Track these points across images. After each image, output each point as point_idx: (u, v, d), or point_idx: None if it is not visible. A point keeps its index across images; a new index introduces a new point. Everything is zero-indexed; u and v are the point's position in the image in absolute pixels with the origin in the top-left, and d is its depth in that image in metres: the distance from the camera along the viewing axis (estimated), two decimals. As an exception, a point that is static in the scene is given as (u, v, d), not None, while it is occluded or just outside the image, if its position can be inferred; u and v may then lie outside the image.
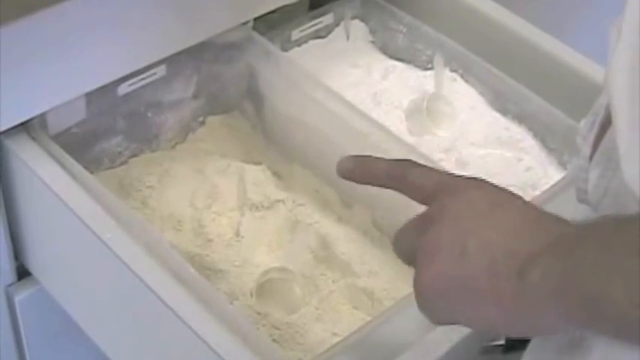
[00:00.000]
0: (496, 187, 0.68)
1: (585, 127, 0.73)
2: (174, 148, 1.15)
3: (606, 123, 0.70)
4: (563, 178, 1.01)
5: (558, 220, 0.63)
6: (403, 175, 0.72)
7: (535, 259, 0.59)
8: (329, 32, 1.25)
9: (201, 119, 1.17)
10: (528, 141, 1.13)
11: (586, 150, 0.72)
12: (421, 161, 0.99)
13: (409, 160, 0.73)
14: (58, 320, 1.10)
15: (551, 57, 1.14)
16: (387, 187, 0.73)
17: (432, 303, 0.66)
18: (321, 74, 1.15)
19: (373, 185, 0.74)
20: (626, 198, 0.64)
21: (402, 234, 0.70)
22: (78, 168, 0.96)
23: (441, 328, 0.76)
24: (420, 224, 0.68)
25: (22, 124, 0.98)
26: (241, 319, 0.86)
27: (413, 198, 0.71)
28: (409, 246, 0.68)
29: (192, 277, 0.88)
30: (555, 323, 0.60)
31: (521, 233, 0.62)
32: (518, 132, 1.14)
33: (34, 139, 0.99)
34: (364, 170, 0.75)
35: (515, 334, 0.65)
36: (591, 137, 0.71)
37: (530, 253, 0.60)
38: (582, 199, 0.72)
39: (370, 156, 0.75)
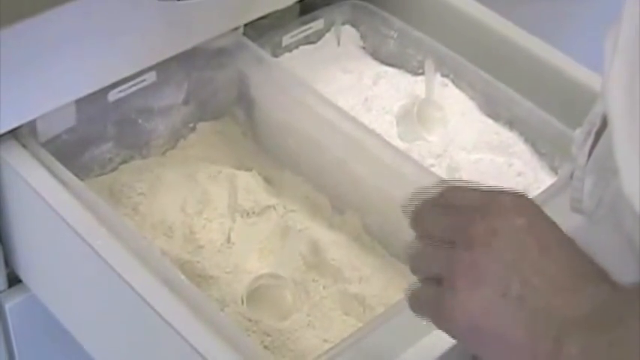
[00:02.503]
0: (543, 215, 0.65)
1: (581, 137, 0.73)
2: (164, 154, 1.15)
3: (602, 132, 0.70)
4: (554, 183, 1.01)
5: (603, 276, 0.61)
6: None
7: (574, 328, 0.58)
8: (319, 38, 1.25)
9: (191, 125, 1.17)
10: (519, 146, 1.13)
11: (582, 160, 0.71)
12: (412, 167, 1.00)
13: (446, 185, 0.68)
14: (49, 327, 1.09)
15: (542, 62, 1.14)
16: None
17: (461, 329, 0.63)
18: (312, 80, 1.15)
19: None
20: (621, 207, 0.64)
21: (426, 212, 0.66)
22: (68, 175, 0.96)
23: (431, 336, 0.76)
24: (460, 234, 0.63)
25: (12, 131, 0.98)
26: (232, 326, 0.86)
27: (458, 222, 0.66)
28: (435, 229, 0.65)
29: (182, 283, 0.88)
30: None
31: (566, 289, 0.60)
32: (509, 137, 1.14)
33: (24, 146, 0.99)
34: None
35: None
36: (587, 147, 0.71)
37: (569, 317, 0.58)
38: (577, 209, 0.72)
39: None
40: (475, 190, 0.66)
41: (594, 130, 0.71)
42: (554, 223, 0.64)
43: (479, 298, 0.61)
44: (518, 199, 0.65)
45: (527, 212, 0.64)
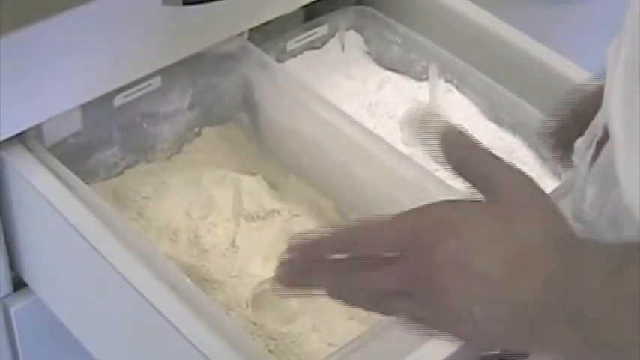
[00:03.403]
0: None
1: (582, 146, 0.73)
2: (169, 159, 1.15)
3: (603, 142, 0.70)
4: (557, 189, 1.01)
5: (551, 244, 0.60)
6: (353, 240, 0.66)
7: (546, 316, 0.58)
8: (324, 43, 1.25)
9: (196, 130, 1.17)
10: (523, 151, 1.13)
11: (583, 169, 0.71)
12: (416, 171, 1.00)
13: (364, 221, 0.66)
14: (54, 331, 1.09)
15: (546, 67, 1.14)
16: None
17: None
18: (317, 85, 1.16)
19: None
20: (623, 216, 0.64)
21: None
22: (74, 179, 0.97)
23: (436, 341, 0.76)
24: (418, 282, 0.63)
25: (18, 135, 0.99)
26: (237, 330, 0.86)
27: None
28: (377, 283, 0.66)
29: (187, 287, 0.88)
30: None
31: (517, 274, 0.59)
32: (512, 142, 1.14)
33: (30, 150, 0.99)
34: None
35: None
36: (588, 157, 0.71)
37: (530, 303, 0.58)
38: (579, 219, 0.72)
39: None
40: (381, 225, 0.64)
41: (596, 139, 0.71)
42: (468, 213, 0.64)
43: (459, 331, 0.63)
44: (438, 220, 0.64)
45: (456, 227, 0.63)
